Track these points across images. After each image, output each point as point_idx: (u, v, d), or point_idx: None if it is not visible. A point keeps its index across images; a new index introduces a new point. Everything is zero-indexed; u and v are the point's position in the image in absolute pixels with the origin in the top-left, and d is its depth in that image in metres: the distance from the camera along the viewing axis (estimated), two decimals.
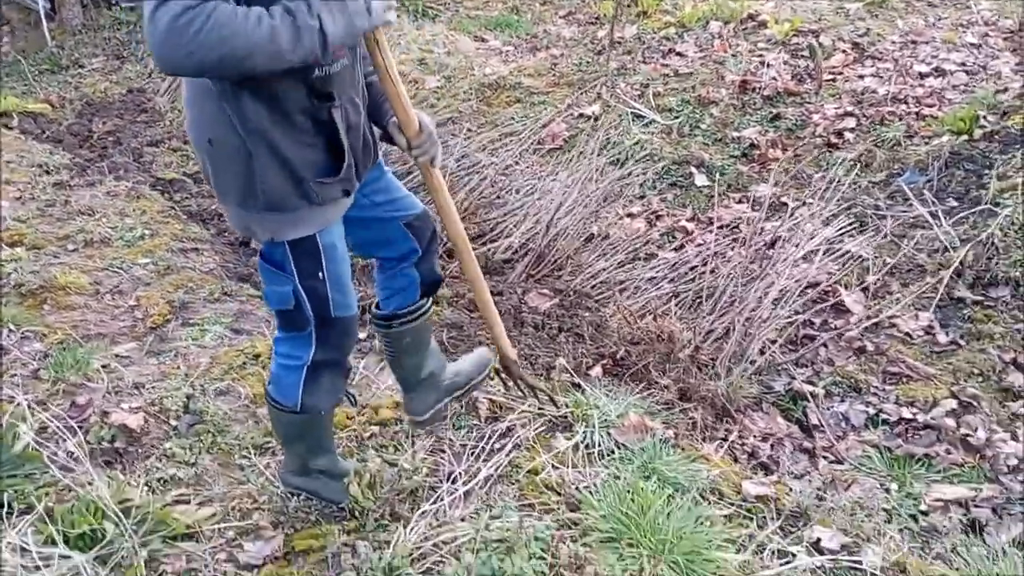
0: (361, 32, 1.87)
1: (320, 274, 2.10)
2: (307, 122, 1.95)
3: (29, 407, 2.70)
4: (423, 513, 2.41)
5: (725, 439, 3.05)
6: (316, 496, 2.48)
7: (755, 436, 3.14)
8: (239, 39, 1.66)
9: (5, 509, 2.26)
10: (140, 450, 2.65)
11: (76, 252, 3.99)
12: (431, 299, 2.59)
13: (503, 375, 2.80)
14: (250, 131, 1.91)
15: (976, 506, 2.76)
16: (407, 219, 2.37)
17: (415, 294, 2.49)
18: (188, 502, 2.45)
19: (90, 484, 2.33)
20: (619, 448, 2.74)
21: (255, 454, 2.70)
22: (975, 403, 3.19)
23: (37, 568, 2.06)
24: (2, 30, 10.84)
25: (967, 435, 3.04)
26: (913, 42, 6.20)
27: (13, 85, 8.32)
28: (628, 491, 2.45)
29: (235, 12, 1.66)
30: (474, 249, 4.17)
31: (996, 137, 4.40)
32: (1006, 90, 4.99)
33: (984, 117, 4.58)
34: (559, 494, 2.52)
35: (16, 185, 4.77)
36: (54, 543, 2.14)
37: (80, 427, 2.68)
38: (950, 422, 3.09)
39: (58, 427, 2.60)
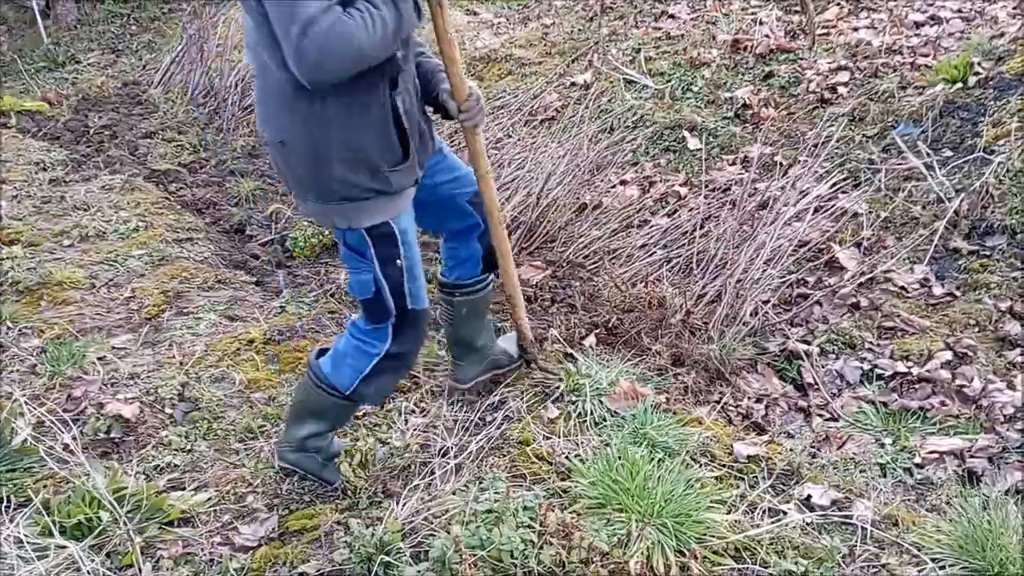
0: None
1: (398, 261, 2.22)
2: (380, 111, 2.07)
3: (26, 402, 2.74)
4: (414, 488, 2.44)
5: (719, 402, 3.05)
6: (311, 475, 2.52)
7: (749, 398, 3.13)
8: (365, 43, 1.86)
9: (3, 503, 2.31)
10: (136, 439, 2.69)
11: (72, 247, 4.02)
12: (493, 273, 2.75)
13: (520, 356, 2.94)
14: (325, 128, 2.03)
15: (972, 457, 2.76)
16: (470, 195, 2.52)
17: (476, 267, 2.69)
18: (183, 488, 2.49)
19: (86, 475, 2.38)
20: (611, 416, 2.76)
21: (249, 438, 2.73)
22: (971, 354, 3.17)
23: (34, 558, 2.10)
24: None
25: (963, 386, 3.03)
26: None
27: (11, 84, 8.35)
28: (618, 457, 2.46)
29: (351, 20, 1.84)
30: None
31: (991, 83, 4.33)
32: (1002, 35, 4.89)
33: (979, 64, 4.50)
34: (550, 464, 2.53)
35: (13, 183, 4.80)
36: (51, 534, 2.19)
37: (76, 420, 2.72)
38: (945, 374, 3.08)
39: (53, 421, 2.64)
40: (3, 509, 2.30)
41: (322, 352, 2.45)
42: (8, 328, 3.27)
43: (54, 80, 8.13)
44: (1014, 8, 5.45)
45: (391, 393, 2.47)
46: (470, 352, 2.83)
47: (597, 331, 3.40)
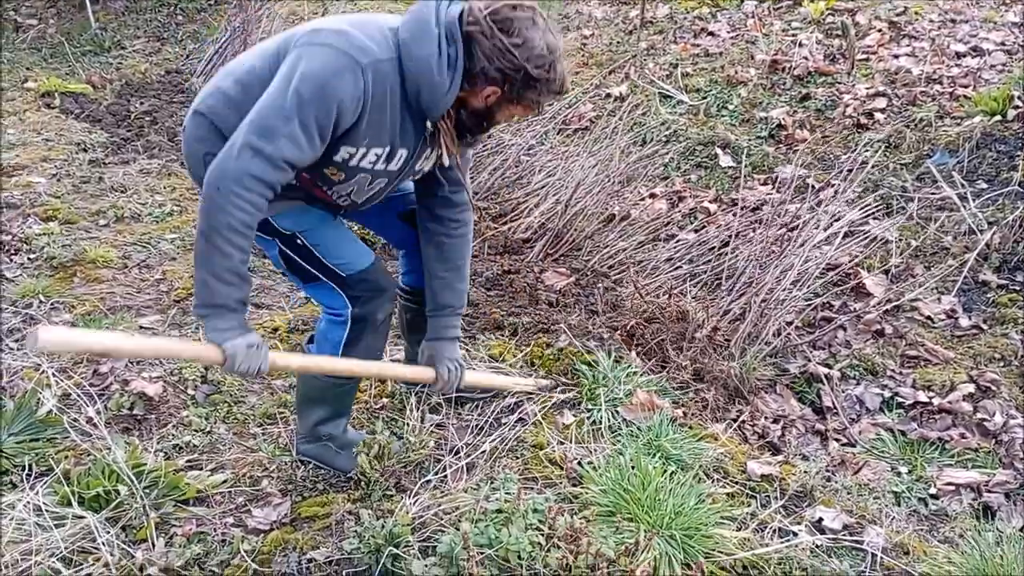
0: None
1: (299, 241, 2.21)
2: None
3: (53, 375, 2.80)
4: (427, 484, 2.46)
5: (736, 419, 3.05)
6: (326, 464, 2.55)
7: (767, 417, 3.12)
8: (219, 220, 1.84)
9: (25, 471, 2.36)
10: (158, 418, 2.73)
11: (107, 227, 4.10)
12: None
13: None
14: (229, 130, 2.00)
15: (988, 491, 2.72)
16: (405, 213, 2.52)
17: (421, 280, 2.61)
18: (201, 468, 2.53)
19: (107, 449, 2.42)
20: (626, 425, 2.76)
21: (268, 423, 2.77)
22: (994, 388, 3.13)
23: (52, 526, 2.15)
24: (48, 12, 11.08)
25: (984, 420, 3.00)
26: (952, 21, 6.05)
27: (57, 66, 8.52)
28: (631, 467, 2.46)
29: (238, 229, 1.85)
30: (495, 228, 4.22)
31: None
32: None
33: (1019, 97, 4.46)
34: (562, 468, 2.54)
35: (54, 162, 4.90)
36: (69, 503, 2.23)
37: (101, 395, 2.77)
38: (967, 406, 3.05)
39: (79, 394, 2.69)
40: (25, 477, 2.35)
41: (312, 340, 2.48)
42: (40, 302, 3.34)
43: (99, 64, 8.27)
44: None
45: (380, 355, 2.45)
46: (413, 360, 2.79)
47: (619, 333, 3.40)
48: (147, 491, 2.30)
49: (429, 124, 2.03)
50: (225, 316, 1.91)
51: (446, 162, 2.18)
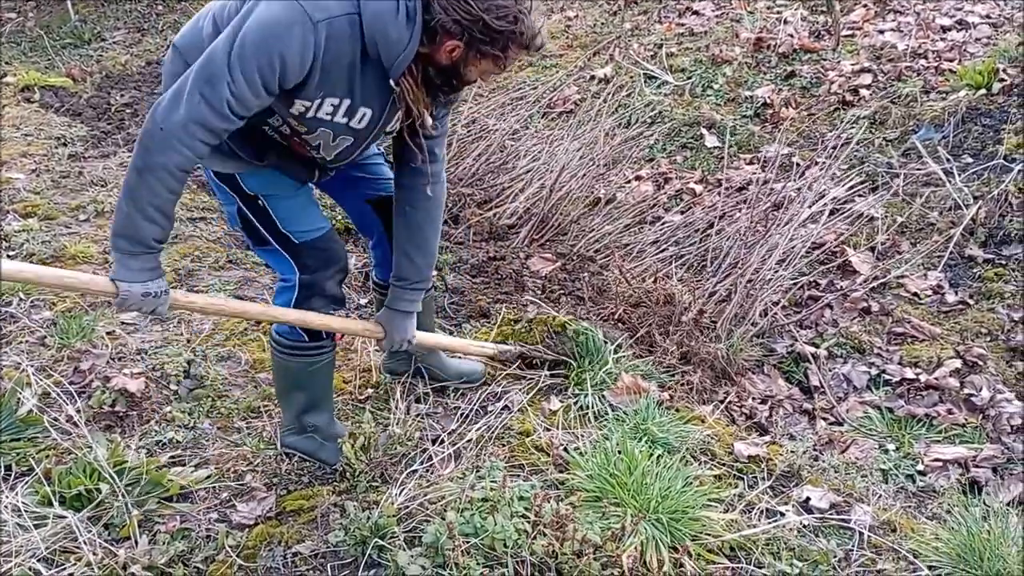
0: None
1: (259, 202, 2.18)
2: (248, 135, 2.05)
3: (34, 373, 2.77)
4: (412, 474, 2.45)
5: (723, 401, 3.04)
6: (311, 456, 2.53)
7: (754, 398, 3.12)
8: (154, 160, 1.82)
9: (3, 472, 2.33)
10: (140, 414, 2.71)
11: (87, 222, 4.06)
12: None
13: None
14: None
15: (976, 466, 2.73)
16: (373, 197, 2.49)
17: (387, 272, 2.59)
18: (184, 464, 2.50)
19: (88, 447, 2.40)
20: (612, 410, 2.75)
21: (252, 417, 2.75)
22: (981, 363, 3.13)
23: (32, 527, 2.13)
24: (27, 5, 10.95)
25: (970, 395, 3.00)
26: None
27: (36, 59, 8.42)
28: (617, 452, 2.45)
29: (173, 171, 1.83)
30: (480, 215, 4.20)
31: (1015, 91, 4.27)
32: None
33: (1004, 70, 4.44)
34: (548, 455, 2.53)
35: (33, 158, 4.84)
36: (50, 503, 2.21)
37: (82, 392, 2.75)
38: (954, 382, 3.05)
39: (59, 393, 2.66)
40: (4, 478, 2.33)
41: None
42: (20, 299, 3.31)
43: (79, 57, 8.19)
44: None
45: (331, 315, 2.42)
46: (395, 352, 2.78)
47: (605, 320, 3.39)
48: (129, 488, 2.28)
49: (392, 82, 1.97)
50: (138, 256, 1.89)
51: (427, 121, 2.11)
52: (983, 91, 4.35)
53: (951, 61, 4.87)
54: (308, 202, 2.31)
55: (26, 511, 2.17)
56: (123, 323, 3.22)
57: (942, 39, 5.25)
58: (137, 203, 1.84)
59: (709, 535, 2.22)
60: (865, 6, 5.89)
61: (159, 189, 1.83)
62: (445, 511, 2.22)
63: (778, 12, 6.06)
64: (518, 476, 2.44)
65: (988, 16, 5.54)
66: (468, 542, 2.07)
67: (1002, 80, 4.38)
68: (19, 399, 2.60)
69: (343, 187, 2.48)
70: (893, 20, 5.64)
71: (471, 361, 2.96)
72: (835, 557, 2.19)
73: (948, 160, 4.05)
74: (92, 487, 2.24)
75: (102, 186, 4.48)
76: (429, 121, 2.11)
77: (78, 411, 2.61)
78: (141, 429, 2.64)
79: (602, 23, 6.63)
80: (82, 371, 2.84)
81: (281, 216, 2.21)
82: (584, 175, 4.29)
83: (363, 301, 3.48)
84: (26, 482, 2.31)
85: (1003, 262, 3.58)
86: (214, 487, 2.43)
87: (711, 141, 4.76)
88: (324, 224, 2.31)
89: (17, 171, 4.59)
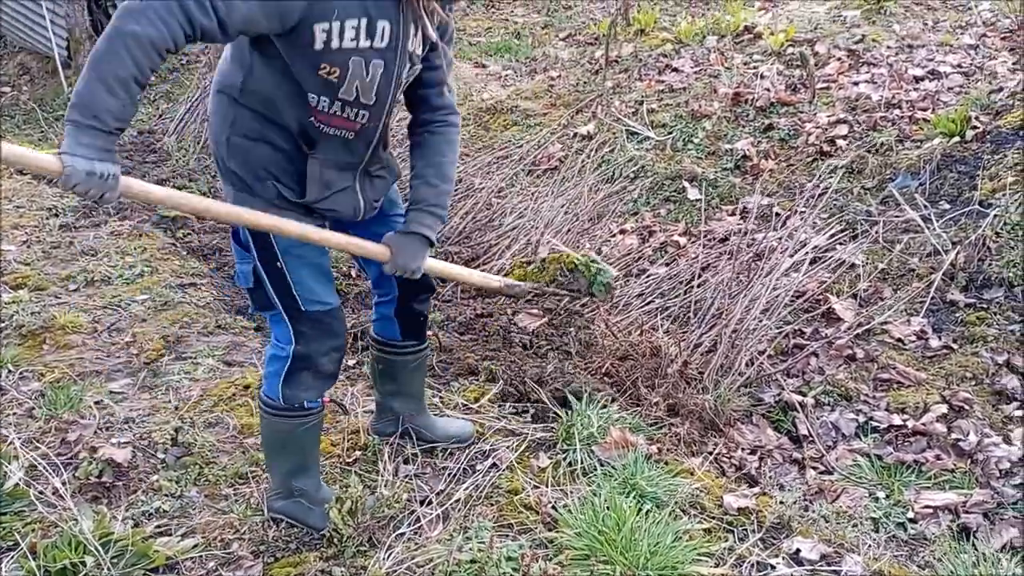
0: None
1: (278, 264, 2.20)
2: (291, 140, 2.12)
3: (21, 446, 2.76)
4: (400, 536, 2.44)
5: (712, 453, 3.04)
6: (298, 522, 2.52)
7: (743, 449, 3.11)
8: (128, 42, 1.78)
9: None
10: (127, 484, 2.70)
11: (77, 292, 4.09)
12: (418, 344, 2.73)
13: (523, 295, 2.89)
14: (239, 109, 2.09)
15: (967, 512, 2.72)
16: None
17: (395, 331, 2.68)
18: (171, 534, 2.49)
19: (74, 520, 2.39)
20: (601, 465, 2.75)
21: (240, 483, 2.74)
22: (967, 407, 3.14)
23: None
24: (21, 79, 11.16)
25: (958, 440, 3.00)
26: (909, 46, 6.18)
27: (30, 132, 8.56)
28: (605, 507, 2.45)
29: (143, 43, 1.78)
30: None
31: (988, 137, 4.36)
32: (1001, 89, 4.94)
33: (976, 118, 4.54)
34: (537, 513, 2.52)
35: (24, 229, 4.89)
36: None
37: (68, 464, 2.74)
38: (941, 427, 3.06)
39: (44, 466, 2.66)
40: None
41: None
42: (9, 371, 3.31)
43: None
44: (1014, 64, 5.51)
45: (323, 391, 2.41)
46: (385, 410, 2.86)
47: (594, 377, 3.41)
48: (115, 561, 2.26)
49: None
50: (87, 131, 1.76)
51: (431, 35, 2.12)
52: (957, 138, 4.44)
53: (924, 110, 4.98)
54: (325, 272, 2.33)
55: None
56: (111, 392, 3.23)
57: (915, 89, 5.37)
58: (99, 71, 1.76)
59: None
60: (839, 59, 6.04)
61: (125, 59, 1.75)
62: (433, 574, 2.21)
63: (755, 67, 6.20)
64: (506, 536, 2.43)
65: (959, 65, 5.68)
66: None
67: (975, 127, 4.47)
68: (5, 473, 2.59)
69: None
70: (867, 72, 5.78)
71: (460, 422, 2.97)
72: None
73: (926, 207, 4.11)
74: (77, 560, 2.23)
75: (92, 255, 4.52)
76: (432, 33, 2.12)
77: (64, 483, 2.61)
78: (128, 499, 2.63)
79: (584, 82, 6.77)
80: (69, 442, 2.84)
81: (296, 280, 2.23)
82: (569, 230, 4.35)
83: (351, 362, 3.50)
84: (12, 557, 2.29)
85: (985, 306, 3.61)
86: (201, 557, 2.41)
87: (693, 194, 4.84)
88: (334, 300, 2.34)
89: (8, 243, 4.63)
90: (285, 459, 2.48)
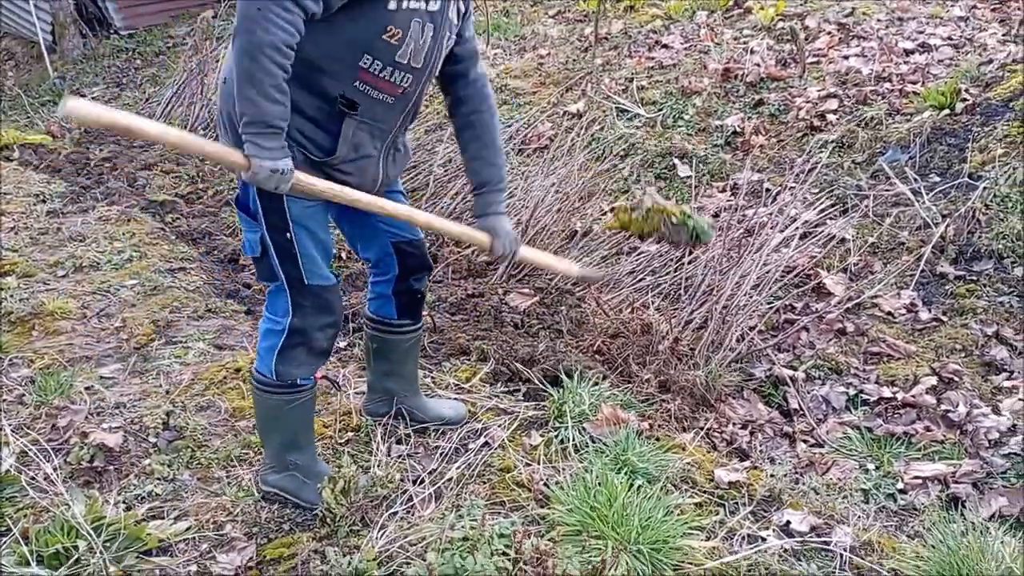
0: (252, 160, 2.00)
1: (288, 234, 2.21)
2: (326, 108, 2.13)
3: (12, 432, 2.76)
4: (393, 516, 2.44)
5: (703, 428, 3.05)
6: (292, 496, 2.52)
7: (734, 424, 3.13)
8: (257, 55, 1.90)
9: None
10: (119, 469, 2.70)
11: (66, 278, 4.07)
12: (413, 323, 2.73)
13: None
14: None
15: (956, 482, 2.74)
16: (398, 240, 2.54)
17: (391, 310, 2.68)
18: (163, 517, 2.49)
19: (66, 505, 2.39)
20: (593, 442, 2.76)
21: (232, 466, 2.74)
22: (957, 379, 3.16)
23: None
24: (6, 65, 11.05)
25: (948, 411, 3.02)
26: (899, 19, 6.16)
27: (16, 117, 8.49)
28: (597, 484, 2.45)
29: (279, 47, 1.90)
30: (458, 252, 4.23)
31: (978, 110, 4.36)
32: (990, 61, 4.93)
33: (966, 90, 4.53)
34: (529, 491, 2.53)
35: (12, 216, 4.86)
36: (28, 563, 2.19)
37: (60, 449, 2.74)
38: (930, 399, 3.07)
39: (36, 452, 2.65)
40: None
41: None
42: None
43: (58, 114, 8.26)
44: (1003, 35, 5.50)
45: (316, 368, 2.43)
46: (378, 390, 2.85)
47: (585, 355, 3.41)
48: (107, 544, 2.26)
49: None
50: (269, 137, 1.97)
51: (461, 5, 2.21)
52: (947, 111, 4.43)
53: (914, 83, 4.97)
54: (327, 250, 2.34)
55: (4, 572, 2.15)
56: (101, 377, 3.22)
57: (905, 62, 5.36)
58: (258, 86, 1.91)
59: (691, 564, 2.22)
60: (829, 33, 6.02)
61: (272, 69, 1.90)
62: (426, 552, 2.22)
63: (744, 43, 6.18)
64: (499, 513, 2.44)
65: (949, 38, 5.66)
66: None
67: (964, 100, 4.47)
68: None
69: (372, 234, 2.52)
70: (857, 45, 5.76)
71: (452, 402, 2.98)
72: None
73: (915, 180, 4.11)
74: (70, 545, 2.23)
75: (80, 241, 4.49)
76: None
77: (56, 469, 2.60)
78: (120, 484, 2.63)
79: (574, 60, 6.74)
80: (59, 428, 2.84)
81: (303, 251, 2.24)
82: (560, 209, 4.33)
83: (343, 344, 3.49)
84: (4, 542, 2.29)
85: (974, 278, 3.62)
86: (194, 539, 2.42)
87: (684, 171, 4.83)
88: (334, 278, 2.36)
89: None
90: (278, 433, 2.49)
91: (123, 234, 4.57)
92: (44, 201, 5.14)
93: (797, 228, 3.83)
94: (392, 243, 2.53)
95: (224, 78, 2.16)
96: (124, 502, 2.53)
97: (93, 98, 8.51)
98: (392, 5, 2.01)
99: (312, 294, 2.30)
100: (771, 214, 3.97)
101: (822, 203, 4.11)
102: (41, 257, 4.29)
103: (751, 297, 3.48)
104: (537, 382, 3.12)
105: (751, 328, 3.47)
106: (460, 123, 2.44)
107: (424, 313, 3.08)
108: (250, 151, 1.98)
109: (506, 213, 2.47)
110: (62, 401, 3.01)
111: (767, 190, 4.38)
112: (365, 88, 2.12)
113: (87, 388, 3.11)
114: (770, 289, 3.58)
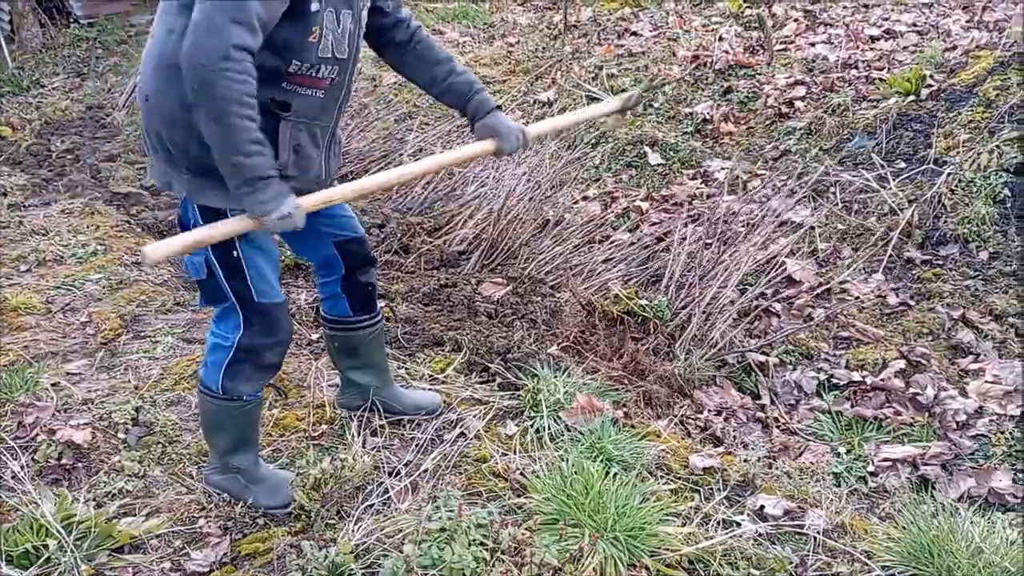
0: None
1: (234, 252, 2.16)
2: (259, 117, 2.00)
3: None
4: (369, 507, 2.43)
5: (678, 415, 3.07)
6: (233, 497, 2.50)
7: (708, 410, 3.15)
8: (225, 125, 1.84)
9: None
10: (88, 466, 2.65)
11: (29, 272, 3.98)
12: (371, 316, 2.71)
13: None
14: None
15: (925, 464, 2.78)
16: (340, 239, 2.51)
17: (345, 307, 2.66)
18: (135, 514, 2.45)
19: (34, 503, 2.34)
20: (568, 431, 2.76)
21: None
22: (924, 362, 3.21)
23: None
24: None
25: (916, 394, 3.06)
26: (865, 6, 6.22)
27: None
28: (573, 472, 2.46)
29: (242, 100, 1.83)
30: (430, 243, 4.21)
31: (942, 95, 4.41)
32: (954, 47, 5.00)
33: (931, 76, 4.59)
34: (505, 480, 2.53)
35: None
36: None
37: (27, 447, 2.69)
38: (899, 383, 3.11)
39: (2, 450, 2.60)
40: None
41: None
42: None
43: (18, 105, 8.04)
44: (967, 21, 5.57)
45: (263, 384, 2.40)
46: (349, 385, 2.83)
47: (559, 343, 3.41)
48: (78, 543, 2.23)
49: None
50: (262, 188, 1.93)
51: None
52: (912, 97, 4.48)
53: (881, 70, 5.02)
54: (276, 265, 2.31)
55: None
56: (68, 373, 3.16)
57: (871, 49, 5.41)
58: (236, 148, 1.87)
59: (667, 550, 2.23)
60: (796, 20, 6.06)
61: (243, 123, 1.85)
62: (402, 544, 2.21)
63: (713, 30, 6.20)
64: (475, 503, 2.43)
65: (915, 24, 5.73)
66: (426, 574, 2.06)
67: (929, 86, 4.52)
68: None
69: (314, 237, 2.48)
70: (824, 32, 5.81)
71: (427, 392, 2.96)
72: (791, 563, 2.22)
73: (882, 166, 4.16)
74: (39, 544, 2.19)
75: (43, 235, 4.41)
76: None
77: (23, 467, 2.56)
78: (89, 481, 2.58)
79: (543, 48, 6.72)
80: (26, 425, 2.78)
81: (252, 269, 2.20)
82: (531, 198, 4.33)
83: (315, 336, 3.46)
84: None
85: (940, 262, 3.68)
86: (166, 535, 2.38)
87: (655, 159, 4.84)
88: (282, 296, 2.32)
89: None
90: (222, 437, 2.45)
91: (87, 227, 4.49)
92: (5, 194, 5.04)
93: (766, 216, 3.86)
94: (335, 243, 2.51)
95: (146, 96, 2.06)
96: (94, 500, 2.49)
97: (54, 88, 8.33)
98: (315, 7, 1.97)
99: (263, 311, 2.25)
100: (742, 201, 4.00)
101: (791, 189, 4.14)
102: (3, 252, 4.20)
103: (723, 285, 3.50)
104: (509, 373, 3.11)
105: (723, 316, 3.49)
106: (409, 59, 2.40)
107: (382, 304, 3.06)
108: (254, 210, 1.95)
109: (499, 107, 2.42)
110: (28, 398, 2.95)
111: (737, 177, 4.40)
112: (293, 87, 2.07)
113: (53, 384, 3.05)
114: (741, 276, 3.60)
